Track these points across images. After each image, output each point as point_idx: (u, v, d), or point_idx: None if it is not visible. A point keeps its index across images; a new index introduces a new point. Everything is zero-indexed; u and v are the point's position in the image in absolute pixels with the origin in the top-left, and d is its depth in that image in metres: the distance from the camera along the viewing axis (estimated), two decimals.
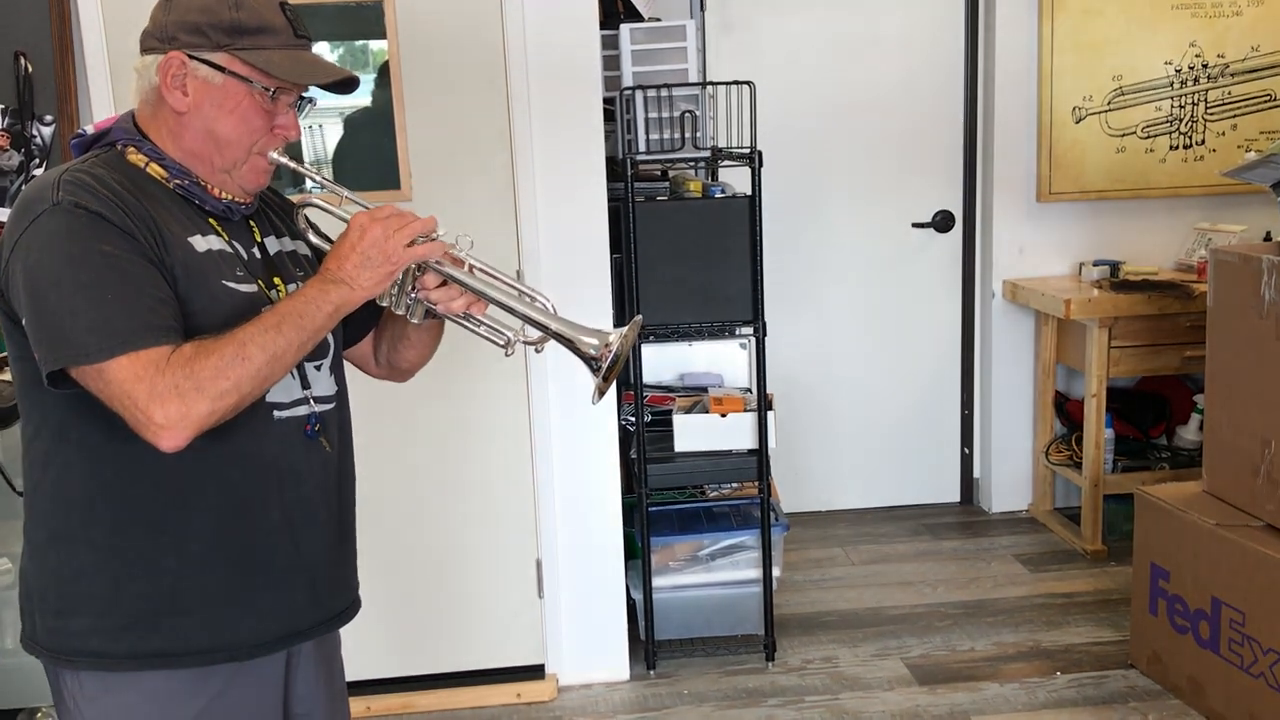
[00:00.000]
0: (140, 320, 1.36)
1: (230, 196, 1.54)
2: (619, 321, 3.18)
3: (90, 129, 1.56)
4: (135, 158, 1.51)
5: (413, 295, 1.57)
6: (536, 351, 1.65)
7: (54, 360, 1.37)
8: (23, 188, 2.80)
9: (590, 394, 1.56)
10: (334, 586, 1.68)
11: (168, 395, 1.34)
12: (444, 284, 1.55)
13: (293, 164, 1.58)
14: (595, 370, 1.52)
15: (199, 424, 1.37)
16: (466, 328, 1.62)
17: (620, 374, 1.59)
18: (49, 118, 2.86)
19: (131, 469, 1.46)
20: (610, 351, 1.51)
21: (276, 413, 1.54)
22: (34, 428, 1.52)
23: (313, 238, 1.64)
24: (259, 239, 1.59)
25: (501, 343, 1.63)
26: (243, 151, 1.52)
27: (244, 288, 1.51)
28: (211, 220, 1.53)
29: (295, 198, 1.68)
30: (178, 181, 1.51)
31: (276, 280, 1.57)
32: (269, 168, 1.56)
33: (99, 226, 1.38)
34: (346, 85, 1.57)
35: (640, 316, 1.65)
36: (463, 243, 1.56)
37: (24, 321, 1.40)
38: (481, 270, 1.56)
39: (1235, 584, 2.79)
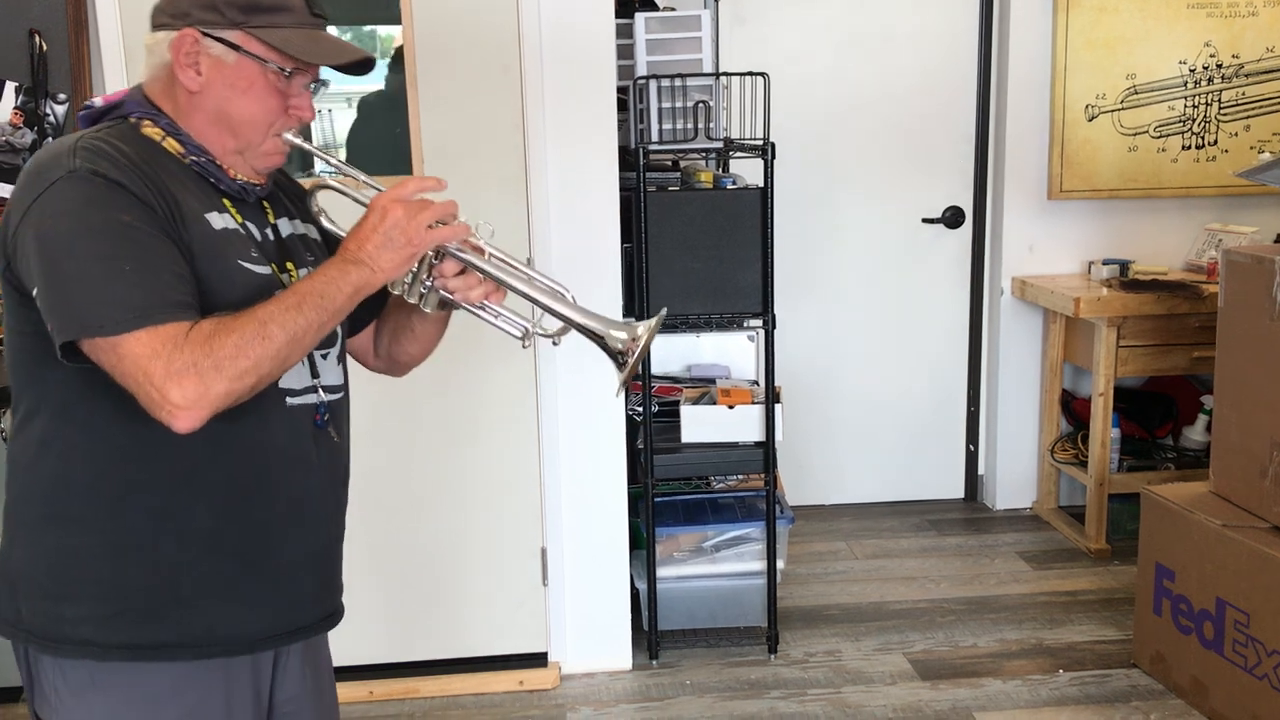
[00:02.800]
0: (158, 295, 1.32)
1: (245, 178, 1.51)
2: (628, 311, 3.17)
3: (99, 101, 1.51)
4: (151, 131, 1.46)
5: (428, 283, 1.53)
6: (554, 344, 1.61)
7: (67, 331, 1.32)
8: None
9: (615, 387, 1.53)
10: (330, 584, 1.65)
11: (185, 373, 1.29)
12: (462, 272, 1.52)
13: (307, 146, 1.55)
14: (621, 365, 1.50)
15: (215, 404, 1.32)
16: (481, 318, 1.59)
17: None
18: (62, 96, 2.85)
19: (138, 451, 1.42)
20: (637, 346, 1.49)
21: (289, 399, 1.50)
22: (30, 405, 1.46)
23: (325, 222, 1.60)
24: (272, 220, 1.56)
25: (518, 334, 1.59)
26: (259, 134, 1.49)
27: (259, 269, 1.47)
28: (225, 200, 1.49)
29: (308, 181, 1.64)
30: (194, 158, 1.47)
31: (289, 264, 1.54)
32: (283, 149, 1.53)
33: (118, 195, 1.34)
34: (362, 66, 1.53)
35: (665, 310, 1.63)
36: (483, 230, 1.53)
37: (35, 291, 1.34)
38: (500, 259, 1.52)
39: (1240, 585, 2.78)
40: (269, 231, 1.54)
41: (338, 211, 1.62)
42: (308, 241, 1.62)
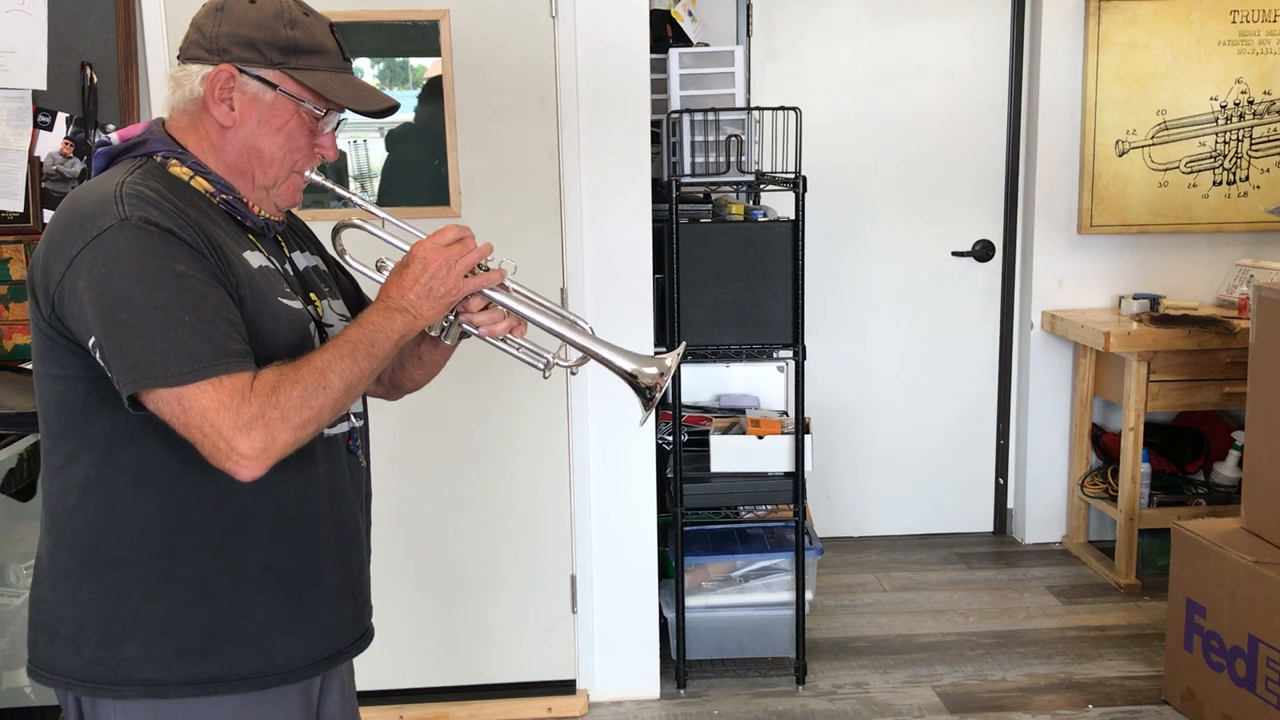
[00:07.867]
0: (218, 345, 1.33)
1: (267, 214, 1.53)
2: (659, 340, 3.20)
3: (115, 138, 1.50)
4: (179, 170, 1.46)
5: (451, 318, 1.57)
6: (572, 374, 1.66)
7: (133, 382, 1.31)
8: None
9: (639, 418, 1.57)
10: (363, 607, 1.66)
11: (253, 425, 1.31)
12: (486, 307, 1.56)
13: (328, 183, 1.57)
14: (649, 400, 1.54)
15: (281, 454, 1.34)
16: (504, 350, 1.63)
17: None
18: (111, 127, 2.93)
19: (187, 493, 1.43)
20: (665, 380, 1.53)
21: (326, 430, 1.52)
22: (70, 450, 1.45)
23: (350, 261, 1.64)
24: (288, 254, 1.59)
25: (540, 365, 1.63)
26: (284, 170, 1.51)
27: (294, 304, 1.49)
28: (251, 236, 1.51)
29: (335, 217, 1.68)
30: (224, 196, 1.48)
31: (313, 296, 1.57)
32: (302, 185, 1.56)
33: (171, 244, 1.34)
34: (387, 110, 1.57)
35: (685, 342, 1.65)
36: (506, 266, 1.57)
37: (91, 342, 1.34)
38: (525, 296, 1.56)
39: (1273, 622, 2.77)
40: (288, 266, 1.56)
41: (363, 246, 1.66)
42: (320, 273, 1.65)
